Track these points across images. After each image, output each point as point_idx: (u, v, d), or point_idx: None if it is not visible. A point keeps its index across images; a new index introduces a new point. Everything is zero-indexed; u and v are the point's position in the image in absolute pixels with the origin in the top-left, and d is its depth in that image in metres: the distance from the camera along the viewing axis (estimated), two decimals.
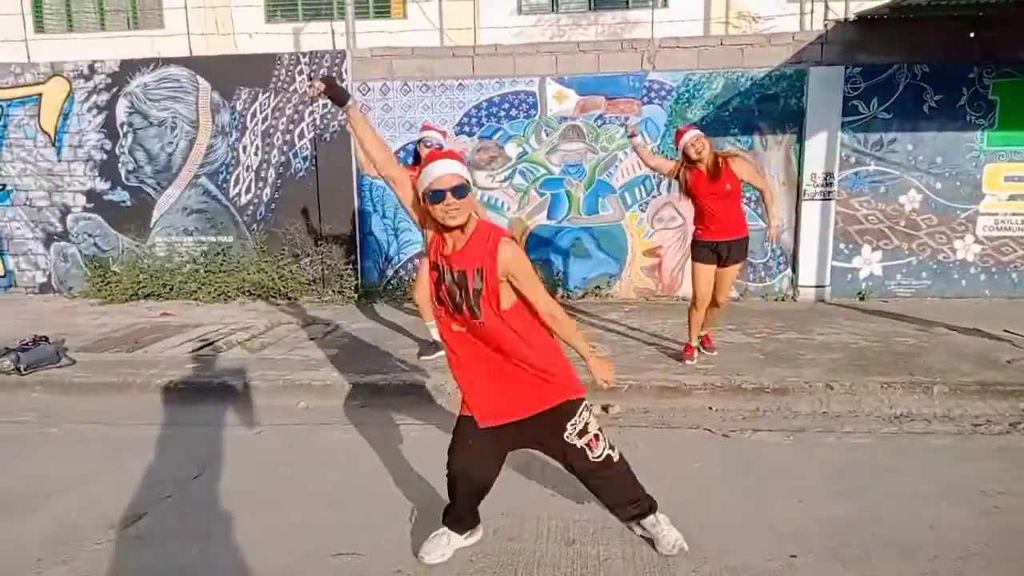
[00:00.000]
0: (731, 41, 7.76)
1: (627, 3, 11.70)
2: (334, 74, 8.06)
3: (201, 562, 2.91)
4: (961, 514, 3.20)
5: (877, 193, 7.71)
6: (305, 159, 8.29)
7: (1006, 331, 6.23)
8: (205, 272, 8.42)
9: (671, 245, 8.06)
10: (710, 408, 4.80)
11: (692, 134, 5.05)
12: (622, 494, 2.90)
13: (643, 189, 8.00)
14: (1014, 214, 7.70)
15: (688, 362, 5.39)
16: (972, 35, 7.29)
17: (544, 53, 7.90)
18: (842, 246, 7.80)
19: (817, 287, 7.84)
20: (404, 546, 2.99)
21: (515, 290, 2.60)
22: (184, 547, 3.04)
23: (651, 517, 2.92)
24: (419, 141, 5.54)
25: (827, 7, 7.55)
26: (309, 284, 8.32)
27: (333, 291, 8.26)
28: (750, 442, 4.19)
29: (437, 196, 2.48)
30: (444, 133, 5.69)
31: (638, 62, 7.78)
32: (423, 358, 5.61)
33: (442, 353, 5.68)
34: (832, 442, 4.17)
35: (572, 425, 2.74)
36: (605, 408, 4.83)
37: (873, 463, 3.82)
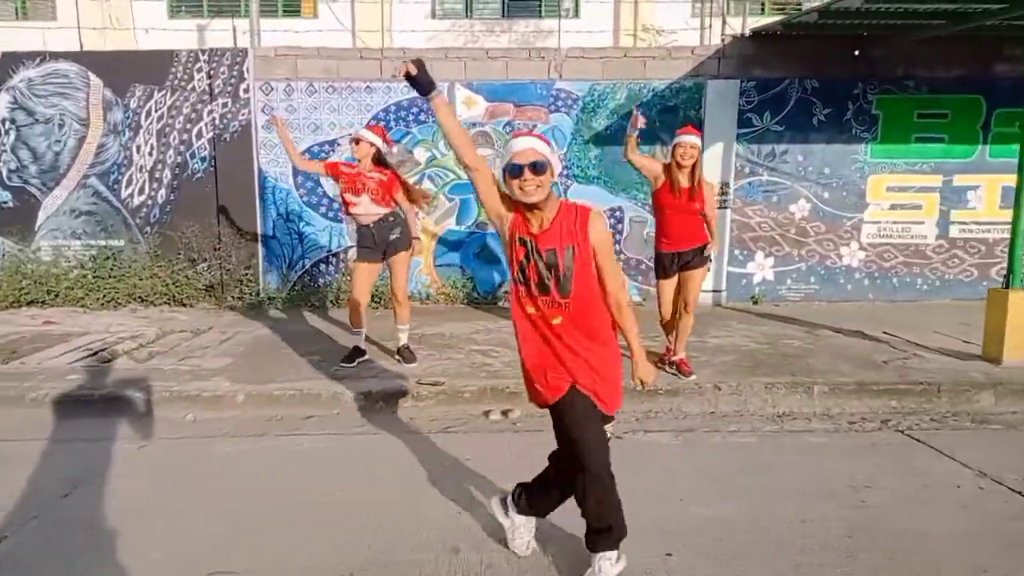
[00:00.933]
0: (634, 53, 7.97)
1: (540, 12, 11.86)
2: (235, 74, 7.82)
3: None
4: (830, 508, 3.37)
5: (769, 202, 8.07)
6: (203, 159, 8.00)
7: (885, 333, 6.63)
8: (94, 278, 8.00)
9: None
10: None
11: (689, 139, 4.95)
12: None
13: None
14: (895, 222, 8.21)
15: (690, 376, 5.27)
16: (856, 53, 7.73)
17: (453, 59, 7.90)
18: (737, 252, 8.13)
19: (714, 291, 8.13)
20: (289, 562, 2.90)
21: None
22: (46, 572, 2.86)
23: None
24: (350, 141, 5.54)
25: (724, 23, 7.86)
26: (206, 290, 8.03)
27: (232, 297, 7.99)
28: (641, 443, 4.30)
29: (515, 170, 2.50)
30: (380, 131, 5.60)
31: (545, 71, 7.89)
32: (344, 365, 5.50)
33: (364, 359, 5.60)
34: (718, 441, 4.32)
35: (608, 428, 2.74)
36: (505, 413, 4.86)
37: (754, 461, 3.98)
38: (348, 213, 5.51)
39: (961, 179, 8.13)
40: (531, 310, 2.64)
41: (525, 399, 4.88)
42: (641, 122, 5.08)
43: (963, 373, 5.34)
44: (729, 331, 6.76)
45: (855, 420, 4.74)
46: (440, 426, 4.62)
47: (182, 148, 8.01)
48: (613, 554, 2.69)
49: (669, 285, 5.38)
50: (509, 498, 2.97)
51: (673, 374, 5.34)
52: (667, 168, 5.13)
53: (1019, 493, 3.56)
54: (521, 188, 2.51)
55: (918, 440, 4.33)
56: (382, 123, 7.89)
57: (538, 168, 2.49)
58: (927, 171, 8.11)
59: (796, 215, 8.09)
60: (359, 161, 5.36)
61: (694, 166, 5.01)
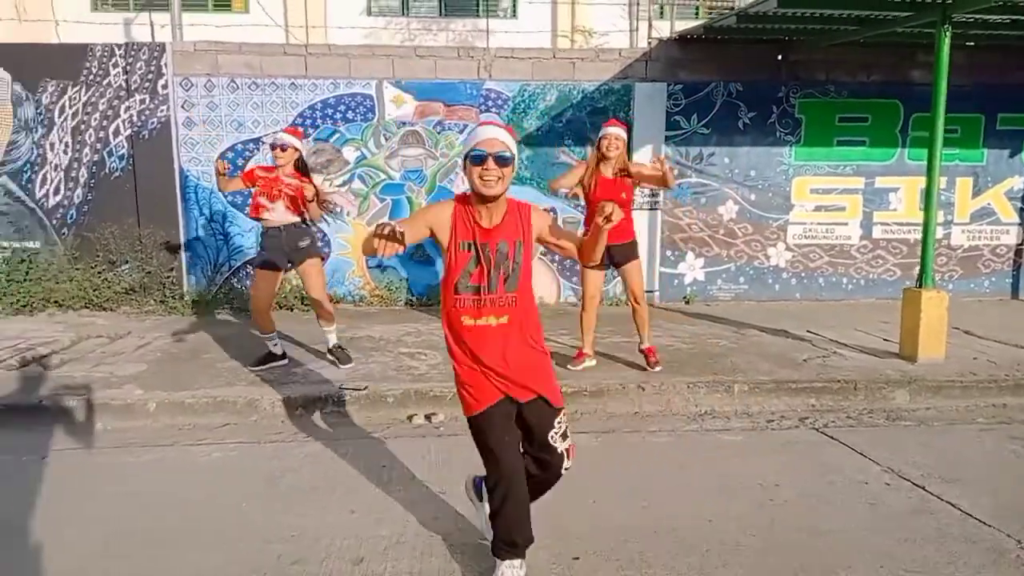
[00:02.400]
0: (563, 54, 7.99)
1: (477, 11, 11.82)
2: (153, 69, 7.55)
3: None
4: (738, 507, 3.42)
5: (698, 204, 8.18)
6: (121, 158, 7.70)
7: (809, 331, 6.79)
8: (7, 281, 7.61)
9: None
10: None
11: (614, 131, 5.16)
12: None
13: None
14: (820, 223, 8.42)
15: (574, 367, 5.38)
16: (780, 57, 7.90)
17: (380, 56, 7.78)
18: (668, 253, 8.22)
19: (647, 292, 8.18)
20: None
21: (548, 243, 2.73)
22: None
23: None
24: (271, 146, 5.32)
25: (651, 26, 7.95)
26: (127, 293, 7.72)
27: (155, 300, 7.71)
28: None
29: (479, 158, 2.45)
30: (299, 133, 5.46)
31: (475, 70, 7.84)
32: (253, 368, 5.35)
33: (281, 363, 5.46)
34: (636, 442, 4.35)
35: (559, 423, 2.71)
36: (428, 417, 4.81)
37: (669, 461, 4.01)
38: (258, 217, 5.34)
39: (882, 181, 8.38)
40: (469, 321, 2.61)
41: (449, 403, 4.88)
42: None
43: (880, 371, 5.49)
44: (658, 331, 6.81)
45: (773, 418, 4.83)
46: (361, 432, 4.53)
47: (99, 146, 7.70)
48: (518, 561, 2.68)
49: (594, 276, 5.43)
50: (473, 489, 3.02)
51: (640, 366, 5.44)
52: (591, 163, 5.28)
53: (922, 488, 3.66)
54: (482, 178, 2.47)
55: (832, 438, 4.43)
56: (307, 121, 7.74)
57: (502, 160, 2.46)
58: (849, 173, 8.35)
59: (724, 216, 8.23)
60: (280, 166, 5.21)
61: (621, 157, 5.20)
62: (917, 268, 8.42)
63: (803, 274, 8.46)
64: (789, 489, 3.64)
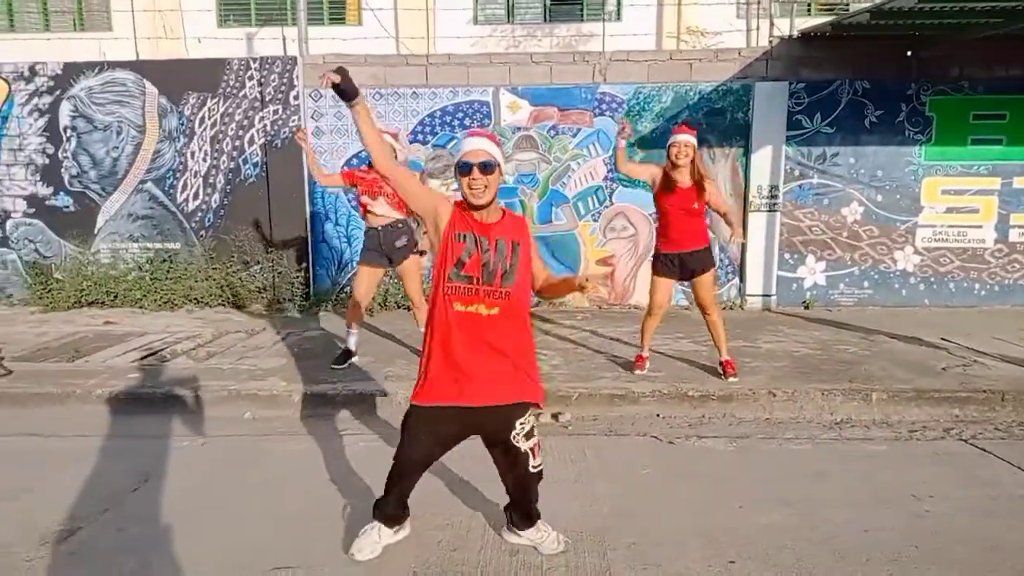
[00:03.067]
0: (680, 56, 7.92)
1: (582, 16, 11.85)
2: (285, 82, 7.98)
3: None
4: (893, 518, 3.30)
5: (820, 205, 7.93)
6: (255, 165, 8.17)
7: (943, 339, 6.46)
8: (151, 279, 8.22)
9: (623, 254, 8.16)
10: (657, 415, 4.87)
11: (683, 138, 4.96)
12: (533, 502, 2.98)
13: (596, 199, 8.09)
14: (951, 226, 8.00)
15: (637, 372, 5.42)
16: (909, 54, 7.56)
17: (497, 63, 7.94)
18: (787, 256, 8.01)
19: (764, 296, 8.02)
20: (344, 559, 2.95)
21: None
22: (120, 563, 2.95)
23: (540, 523, 3.00)
24: None
25: (772, 24, 7.77)
26: (259, 292, 8.19)
27: (284, 299, 8.14)
28: (695, 449, 4.26)
29: (465, 168, 2.60)
30: (395, 134, 5.70)
31: (590, 74, 7.88)
32: (335, 367, 5.58)
33: (354, 360, 5.66)
34: (774, 448, 4.26)
35: (521, 424, 2.79)
36: (555, 416, 4.87)
37: (812, 469, 3.92)
38: (365, 216, 5.58)
39: (1021, 181, 7.88)
40: (460, 307, 2.66)
41: (574, 403, 4.93)
42: (628, 132, 5.12)
43: None
44: (780, 336, 6.67)
45: (916, 428, 4.63)
46: None
47: (235, 154, 8.20)
48: (374, 526, 2.96)
49: (663, 284, 5.33)
50: (508, 526, 3.08)
51: (719, 375, 5.30)
52: (665, 170, 5.12)
53: None
54: (470, 187, 2.60)
55: (983, 450, 4.22)
56: (426, 128, 7.99)
57: (486, 167, 2.57)
58: (984, 173, 7.89)
59: (848, 218, 7.94)
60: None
61: (693, 164, 5.00)
62: None
63: (932, 279, 8.06)
64: (946, 502, 3.49)
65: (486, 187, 2.58)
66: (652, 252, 5.52)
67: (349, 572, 2.85)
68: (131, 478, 3.82)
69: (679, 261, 5.21)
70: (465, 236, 2.66)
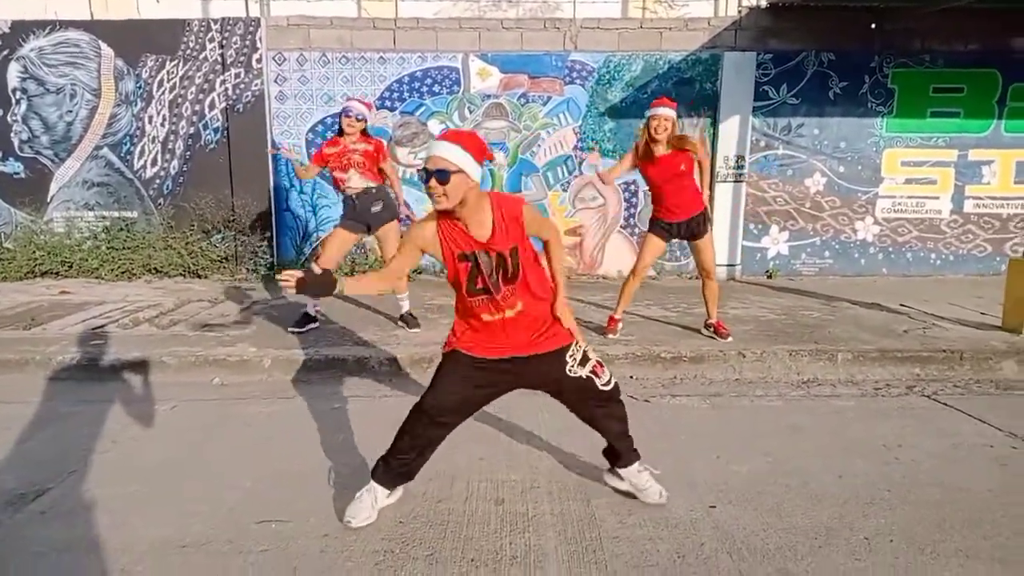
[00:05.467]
0: (650, 24, 7.92)
1: None
2: (247, 44, 7.75)
3: (112, 534, 2.76)
4: (865, 465, 3.40)
5: (785, 176, 8.06)
6: (216, 131, 7.95)
7: (903, 305, 6.65)
8: (108, 249, 7.97)
9: (592, 224, 8.18)
10: (631, 377, 4.91)
11: (663, 111, 4.95)
12: (626, 426, 2.97)
13: (565, 169, 8.08)
14: (910, 197, 8.21)
15: (610, 336, 5.45)
16: (873, 26, 7.69)
17: (467, 29, 7.84)
18: (752, 227, 8.12)
19: (728, 266, 8.14)
20: (330, 512, 2.92)
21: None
22: (92, 520, 2.87)
23: (638, 464, 2.98)
24: (342, 111, 5.40)
25: None
26: (221, 261, 8.01)
27: (247, 269, 7.98)
28: (670, 406, 4.32)
29: (423, 175, 2.51)
30: (369, 105, 5.59)
31: (560, 42, 7.84)
32: (293, 330, 5.52)
33: (315, 326, 5.60)
34: (746, 405, 4.34)
35: (571, 357, 2.78)
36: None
37: (784, 423, 4.00)
38: (340, 189, 5.50)
39: (976, 154, 8.12)
40: (489, 317, 2.69)
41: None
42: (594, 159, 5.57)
43: (984, 342, 5.36)
44: (746, 303, 6.78)
45: (880, 386, 4.76)
46: None
47: (195, 119, 7.96)
48: (379, 488, 2.89)
49: (656, 245, 5.35)
50: (608, 470, 3.09)
51: (710, 337, 5.39)
52: (644, 145, 5.12)
53: None
54: (430, 194, 2.51)
55: (945, 404, 4.36)
56: (393, 95, 7.87)
57: (441, 176, 2.45)
58: (942, 145, 8.10)
59: (811, 189, 8.09)
60: (348, 135, 5.32)
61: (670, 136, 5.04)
62: (1009, 244, 8.23)
63: (891, 249, 8.27)
64: (913, 450, 3.60)
65: (444, 194, 2.48)
66: (620, 221, 5.54)
67: (335, 525, 2.82)
68: (98, 441, 3.72)
69: (676, 229, 5.26)
70: (466, 256, 2.62)
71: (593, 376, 2.82)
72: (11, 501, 3.04)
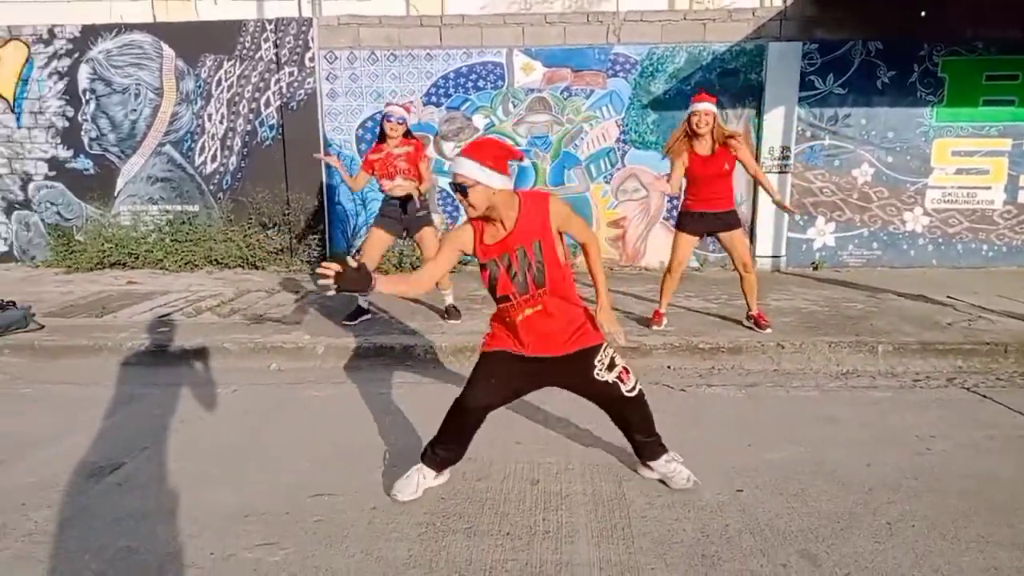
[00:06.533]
0: (694, 16, 7.93)
1: None
2: (300, 43, 8.04)
3: (183, 505, 3.03)
4: (896, 455, 3.47)
5: (831, 166, 8.00)
6: (271, 128, 8.29)
7: (949, 297, 6.58)
8: (171, 241, 8.40)
9: (634, 216, 8.27)
10: (668, 367, 5.03)
11: (703, 107, 5.04)
12: (651, 426, 3.12)
13: (608, 161, 8.18)
14: (960, 187, 8.06)
15: (654, 327, 5.55)
16: (923, 14, 7.56)
17: (511, 24, 7.98)
18: (797, 217, 8.09)
19: (773, 257, 8.13)
20: (378, 487, 3.15)
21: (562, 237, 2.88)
22: (163, 492, 3.15)
23: (667, 455, 3.15)
24: (383, 117, 5.62)
25: None
26: (276, 253, 8.36)
27: (301, 260, 8.31)
28: (705, 395, 4.43)
29: (453, 188, 2.73)
30: (407, 108, 5.79)
31: (603, 35, 7.92)
32: (346, 323, 5.75)
33: (366, 318, 5.83)
34: (782, 395, 4.42)
35: (599, 362, 2.95)
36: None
37: (819, 413, 4.08)
38: (384, 191, 5.70)
39: None
40: (520, 318, 2.86)
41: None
42: (661, 186, 5.49)
43: None
44: (789, 295, 6.80)
45: (920, 378, 4.78)
46: None
47: (251, 116, 8.31)
48: (431, 472, 3.10)
49: (687, 241, 5.44)
50: (642, 463, 3.24)
51: (751, 328, 5.46)
52: (687, 139, 5.19)
53: None
54: (459, 203, 2.72)
55: (984, 396, 4.37)
56: (439, 90, 8.07)
57: (460, 189, 2.67)
58: (995, 135, 7.93)
59: (859, 180, 8.01)
60: (391, 138, 5.51)
61: (713, 131, 5.09)
62: None
63: (940, 240, 8.14)
64: (946, 441, 3.65)
65: (470, 205, 2.70)
66: (663, 213, 5.62)
67: (382, 499, 3.04)
68: (167, 421, 4.03)
69: (706, 220, 5.34)
70: (487, 265, 2.82)
71: (619, 382, 2.97)
72: (92, 473, 3.35)
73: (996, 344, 5.12)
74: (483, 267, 2.85)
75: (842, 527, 2.77)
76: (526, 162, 8.18)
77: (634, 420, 3.07)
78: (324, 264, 2.63)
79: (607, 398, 3.01)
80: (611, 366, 2.96)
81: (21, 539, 2.76)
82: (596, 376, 2.93)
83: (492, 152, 2.72)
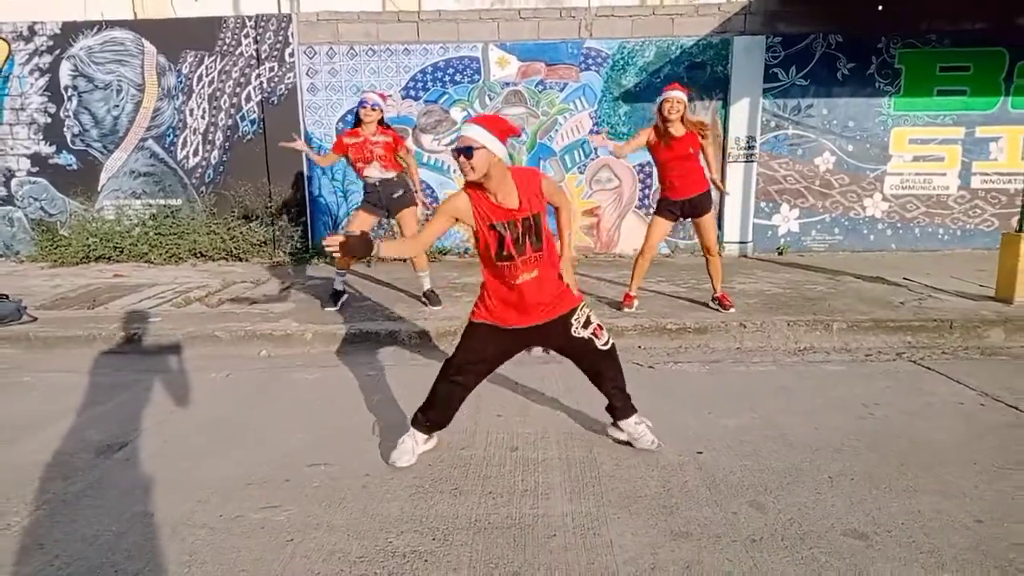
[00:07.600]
0: (663, 11, 8.23)
1: None
2: (280, 39, 8.22)
3: (188, 476, 3.28)
4: (842, 420, 3.81)
5: (795, 155, 8.36)
6: (252, 122, 8.47)
7: (905, 278, 6.97)
8: (155, 235, 8.56)
9: (608, 205, 8.57)
10: (639, 347, 5.34)
11: (675, 94, 5.28)
12: (622, 377, 3.45)
13: (582, 152, 8.47)
14: (917, 174, 8.47)
15: (626, 310, 5.86)
16: (880, 8, 7.90)
17: (487, 19, 8.22)
18: (763, 205, 8.45)
19: (740, 243, 8.49)
20: (371, 457, 3.42)
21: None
22: (168, 465, 3.40)
23: (637, 416, 3.47)
24: (359, 104, 5.85)
25: None
26: (260, 245, 8.56)
27: (284, 252, 8.52)
28: (671, 372, 4.75)
29: (454, 153, 3.01)
30: (384, 96, 6.03)
31: (576, 30, 8.19)
32: (327, 308, 6.02)
33: (345, 300, 6.10)
34: (742, 371, 4.76)
35: (576, 320, 3.28)
36: (546, 348, 5.32)
37: (774, 385, 4.42)
38: (361, 176, 5.95)
39: (983, 131, 8.34)
40: (516, 281, 3.14)
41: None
42: (602, 137, 5.74)
43: (975, 312, 5.69)
44: (754, 278, 7.15)
45: (871, 353, 5.14)
46: None
47: (232, 111, 8.48)
48: (422, 436, 3.40)
49: (662, 226, 5.72)
50: (612, 423, 3.55)
51: (716, 309, 5.79)
52: (656, 128, 5.48)
53: (1015, 408, 3.96)
54: (459, 167, 3.02)
55: (928, 368, 4.73)
56: (418, 84, 8.29)
57: (466, 152, 2.95)
58: (949, 123, 8.34)
59: (821, 168, 8.39)
60: (366, 124, 5.74)
61: (683, 118, 5.38)
62: (1015, 218, 8.44)
63: (899, 225, 8.55)
64: (888, 408, 4.00)
65: (471, 168, 2.97)
66: (635, 201, 5.91)
67: (374, 467, 3.32)
68: (166, 404, 4.26)
69: (681, 207, 5.65)
70: (495, 226, 3.08)
71: (594, 337, 3.31)
72: (100, 450, 3.58)
73: (943, 321, 5.50)
74: (490, 229, 3.08)
75: (788, 481, 3.10)
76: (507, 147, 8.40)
77: (608, 372, 3.40)
78: (329, 237, 2.88)
79: (583, 352, 3.34)
80: (586, 324, 3.30)
81: (42, 506, 3.00)
82: (573, 333, 3.27)
83: (499, 125, 3.04)
